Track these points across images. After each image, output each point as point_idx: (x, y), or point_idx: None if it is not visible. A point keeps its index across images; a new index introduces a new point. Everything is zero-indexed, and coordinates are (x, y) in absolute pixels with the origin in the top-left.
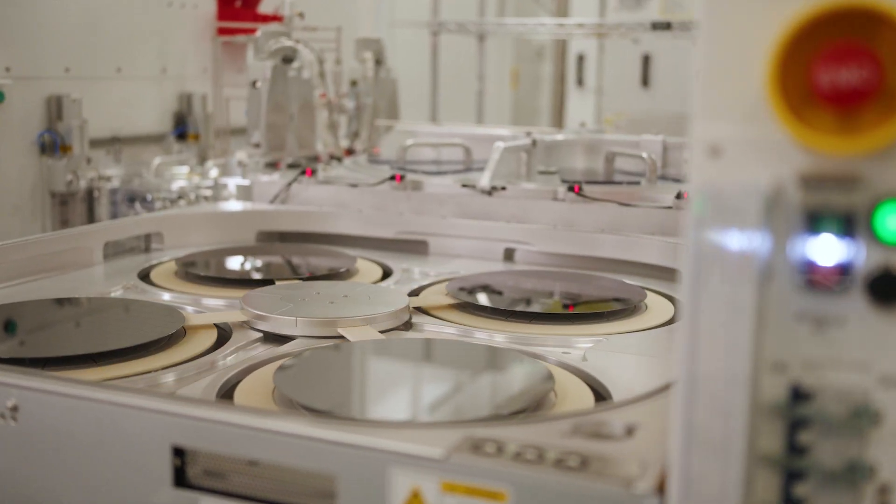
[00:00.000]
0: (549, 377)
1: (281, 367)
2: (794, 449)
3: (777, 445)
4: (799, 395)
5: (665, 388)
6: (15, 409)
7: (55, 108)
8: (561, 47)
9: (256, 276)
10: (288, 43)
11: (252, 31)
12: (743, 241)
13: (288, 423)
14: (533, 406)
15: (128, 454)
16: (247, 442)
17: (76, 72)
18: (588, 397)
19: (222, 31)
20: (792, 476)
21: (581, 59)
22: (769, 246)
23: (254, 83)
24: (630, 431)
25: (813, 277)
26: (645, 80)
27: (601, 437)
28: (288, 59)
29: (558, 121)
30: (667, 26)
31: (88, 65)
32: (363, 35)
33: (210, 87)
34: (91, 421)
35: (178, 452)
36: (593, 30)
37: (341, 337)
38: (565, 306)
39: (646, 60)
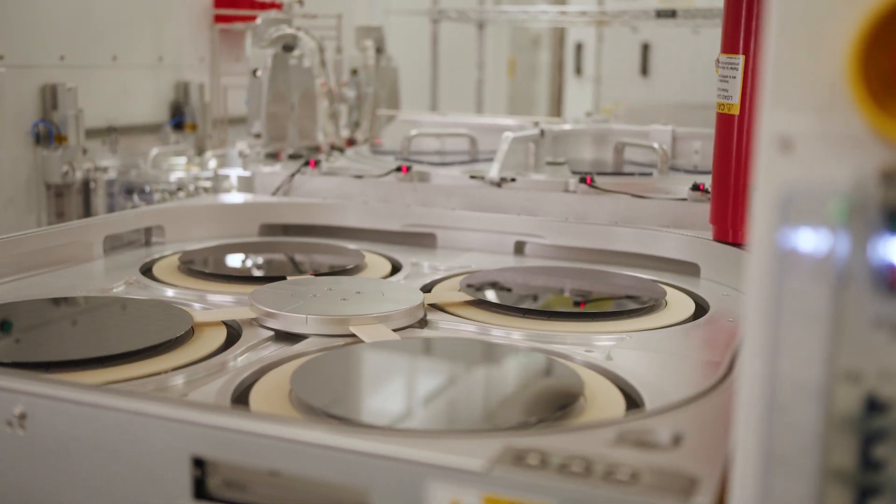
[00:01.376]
0: (579, 380)
1: (298, 370)
2: (869, 464)
3: (850, 460)
4: (874, 407)
5: (707, 392)
6: (23, 416)
7: (50, 97)
8: (559, 36)
9: (264, 271)
10: (289, 30)
11: (250, 18)
12: (818, 242)
13: (317, 433)
14: (566, 411)
15: (144, 465)
16: (272, 452)
17: (71, 60)
18: (618, 400)
19: (219, 19)
20: (866, 493)
21: (579, 48)
22: (846, 247)
23: (254, 72)
24: (677, 440)
25: (893, 281)
26: (644, 69)
27: (646, 446)
28: (289, 47)
29: (556, 110)
30: (672, 14)
31: (84, 53)
32: (357, 23)
33: (207, 76)
34: (105, 429)
35: (199, 463)
36: (596, 18)
37: (354, 336)
38: (580, 303)
39: (645, 49)
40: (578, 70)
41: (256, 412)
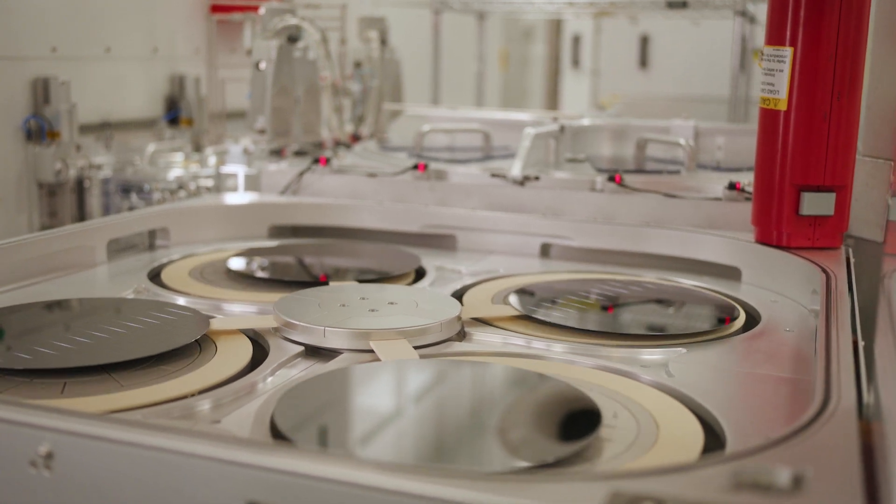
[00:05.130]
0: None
1: (281, 401)
2: None
3: None
4: None
5: (811, 424)
6: (49, 456)
7: (41, 91)
8: (555, 27)
9: (286, 276)
10: (293, 21)
11: (247, 8)
12: None
13: (398, 480)
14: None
15: None
16: (337, 498)
17: (63, 51)
18: (694, 427)
19: (216, 9)
20: None
21: (577, 40)
22: None
23: (257, 64)
24: (798, 482)
25: None
26: (643, 62)
27: (764, 488)
28: (293, 38)
29: (553, 103)
30: (682, 4)
31: (76, 44)
32: (352, 13)
33: (204, 69)
34: (144, 472)
35: None
36: (603, 9)
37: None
38: (640, 323)
39: (644, 41)
40: (576, 62)
41: (318, 451)
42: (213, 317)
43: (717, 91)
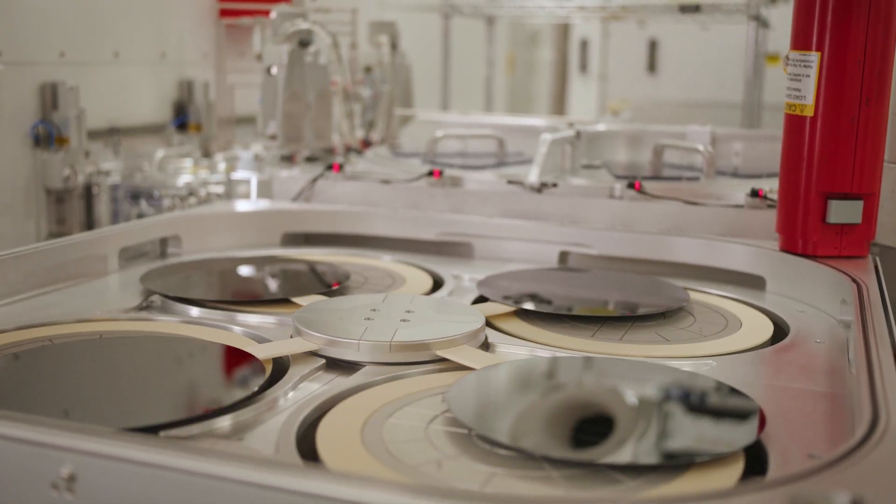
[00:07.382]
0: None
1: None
2: None
3: None
4: None
5: (863, 444)
6: (72, 478)
7: (50, 96)
8: (563, 32)
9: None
10: (304, 25)
11: (257, 13)
12: None
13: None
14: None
15: None
16: None
17: (71, 56)
18: None
19: (225, 13)
20: None
21: (584, 45)
22: None
23: (268, 69)
24: None
25: None
26: (651, 66)
27: None
28: (304, 42)
29: (560, 108)
30: (696, 9)
31: (84, 48)
32: (359, 17)
33: (212, 74)
34: (172, 496)
35: None
36: (613, 13)
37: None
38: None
39: (652, 45)
40: (583, 67)
41: (365, 477)
42: (229, 329)
43: (727, 96)
